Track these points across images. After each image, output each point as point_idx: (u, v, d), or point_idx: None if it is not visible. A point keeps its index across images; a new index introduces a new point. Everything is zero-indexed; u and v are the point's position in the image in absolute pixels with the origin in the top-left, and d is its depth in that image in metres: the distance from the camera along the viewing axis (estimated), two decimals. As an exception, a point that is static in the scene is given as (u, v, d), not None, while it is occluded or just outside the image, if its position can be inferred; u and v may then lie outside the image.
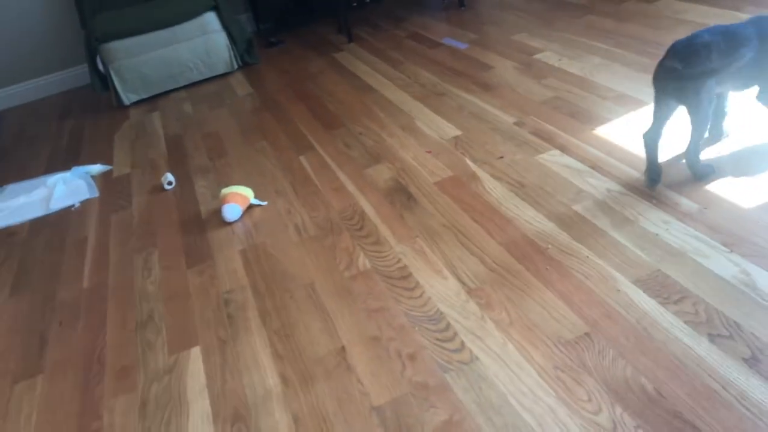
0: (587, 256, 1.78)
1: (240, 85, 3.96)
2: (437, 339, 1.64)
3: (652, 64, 2.80)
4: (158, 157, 3.18)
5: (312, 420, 1.49)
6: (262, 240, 2.27)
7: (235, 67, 4.19)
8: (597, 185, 2.08)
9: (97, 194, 2.92)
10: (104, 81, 3.99)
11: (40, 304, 2.20)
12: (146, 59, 3.95)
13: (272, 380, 1.64)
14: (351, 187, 2.47)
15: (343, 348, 1.69)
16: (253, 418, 1.54)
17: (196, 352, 1.80)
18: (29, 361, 1.93)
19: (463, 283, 1.81)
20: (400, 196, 2.32)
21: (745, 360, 1.36)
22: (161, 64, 3.99)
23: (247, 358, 1.74)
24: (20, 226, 2.79)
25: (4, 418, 1.73)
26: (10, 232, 2.77)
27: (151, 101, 4.03)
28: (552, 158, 2.30)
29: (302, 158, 2.80)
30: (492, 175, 2.29)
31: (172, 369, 1.76)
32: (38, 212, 2.85)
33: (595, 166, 2.18)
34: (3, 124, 4.32)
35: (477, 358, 1.55)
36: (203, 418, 1.57)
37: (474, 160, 2.42)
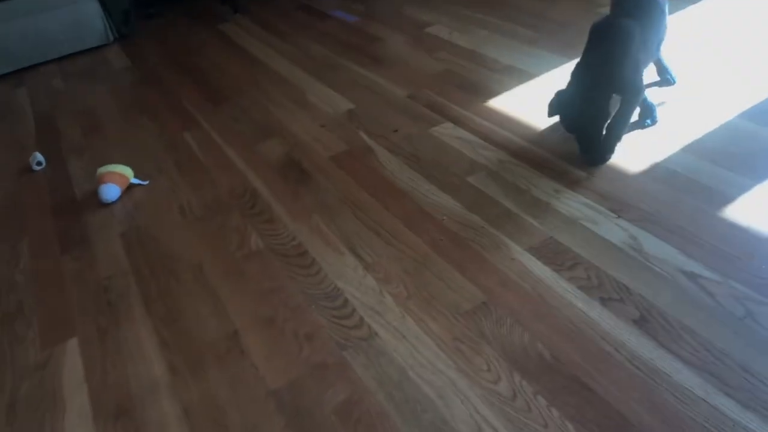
0: (482, 227, 1.78)
1: (117, 58, 3.69)
2: (335, 316, 1.58)
3: (539, 36, 2.86)
4: (26, 137, 2.90)
5: (204, 409, 1.40)
6: (144, 222, 2.12)
7: (111, 39, 3.90)
8: (489, 156, 2.09)
9: (-47, 178, 2.63)
10: (-41, 53, 3.60)
11: None
12: (8, 29, 3.59)
13: (159, 369, 1.53)
14: (241, 164, 2.35)
15: (235, 332, 1.60)
16: (139, 411, 1.42)
17: (72, 344, 1.65)
18: None
19: (361, 258, 1.76)
20: (294, 171, 2.24)
21: (635, 321, 1.40)
22: (26, 35, 3.65)
23: (130, 347, 1.61)
24: None
25: None
26: None
27: (15, 76, 3.68)
28: (445, 131, 2.29)
29: (186, 134, 2.64)
30: (387, 149, 2.25)
31: (46, 364, 1.60)
32: None
33: (487, 138, 2.19)
34: None
35: (376, 334, 1.51)
36: (82, 416, 1.44)
37: (368, 134, 2.36)
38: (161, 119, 2.82)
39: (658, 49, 2.11)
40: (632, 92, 1.89)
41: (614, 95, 1.88)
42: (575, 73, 1.91)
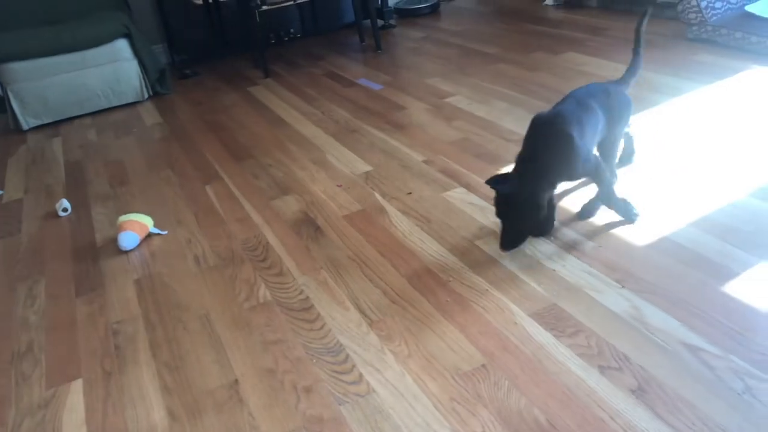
0: (486, 290, 1.80)
1: (149, 114, 3.85)
2: (335, 371, 1.60)
3: (555, 110, 2.93)
4: (55, 184, 3.02)
5: (197, 456, 1.41)
6: (158, 269, 2.17)
7: (146, 96, 4.08)
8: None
9: (-18, 219, 2.73)
10: (1, 103, 3.78)
11: None
12: (50, 83, 3.78)
13: (158, 414, 1.54)
14: (257, 217, 2.42)
15: (236, 381, 1.61)
16: (134, 455, 1.44)
17: (77, 385, 1.68)
18: None
19: (365, 315, 1.78)
20: (308, 227, 2.29)
21: (633, 391, 1.39)
22: (66, 90, 3.84)
23: (132, 391, 1.63)
24: None
25: None
26: None
27: (53, 126, 3.85)
28: (457, 195, 2.34)
29: (208, 188, 2.73)
30: (400, 210, 2.30)
31: (49, 403, 1.63)
32: None
33: (499, 204, 2.23)
34: None
35: (374, 391, 1.52)
36: (78, 456, 1.45)
37: (383, 195, 2.42)
38: (185, 172, 2.92)
39: (615, 131, 2.04)
40: (591, 173, 1.92)
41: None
42: (518, 161, 1.91)
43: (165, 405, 1.57)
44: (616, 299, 1.68)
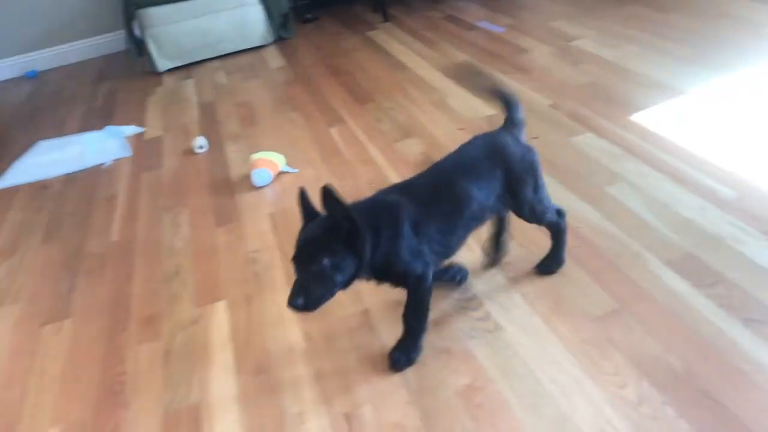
0: (619, 237, 1.76)
1: (273, 58, 3.97)
2: (462, 307, 1.63)
3: (692, 53, 2.76)
4: (190, 123, 3.20)
5: (334, 375, 1.50)
6: (290, 205, 2.27)
7: (270, 40, 4.20)
8: (631, 169, 2.06)
9: (129, 154, 2.95)
10: (140, 46, 4.02)
11: (69, 253, 2.23)
12: (183, 27, 3.97)
13: (296, 336, 1.64)
14: (380, 159, 2.46)
15: (366, 310, 1.69)
16: (276, 370, 1.55)
17: (221, 306, 1.81)
18: (58, 305, 1.96)
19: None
20: (431, 170, 2.31)
21: (778, 344, 1.34)
22: (197, 33, 4.01)
23: (271, 314, 1.74)
24: (54, 180, 2.82)
25: (33, 357, 1.76)
26: (43, 185, 2.80)
27: (185, 69, 4.05)
28: (586, 141, 2.28)
29: (332, 130, 2.80)
30: (525, 155, 2.27)
31: (197, 321, 1.78)
32: (71, 168, 2.89)
33: (630, 150, 2.16)
34: (42, 84, 4.37)
35: (502, 328, 1.54)
36: (226, 369, 1.58)
37: (507, 139, 2.40)
38: (310, 115, 3.01)
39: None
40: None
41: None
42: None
43: (301, 328, 1.67)
44: (761, 251, 1.60)
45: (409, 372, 1.47)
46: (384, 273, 1.42)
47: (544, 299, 1.60)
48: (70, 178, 2.82)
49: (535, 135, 2.38)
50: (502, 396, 1.36)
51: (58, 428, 1.52)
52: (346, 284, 1.35)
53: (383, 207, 1.42)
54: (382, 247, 1.37)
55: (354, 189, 2.28)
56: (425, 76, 3.17)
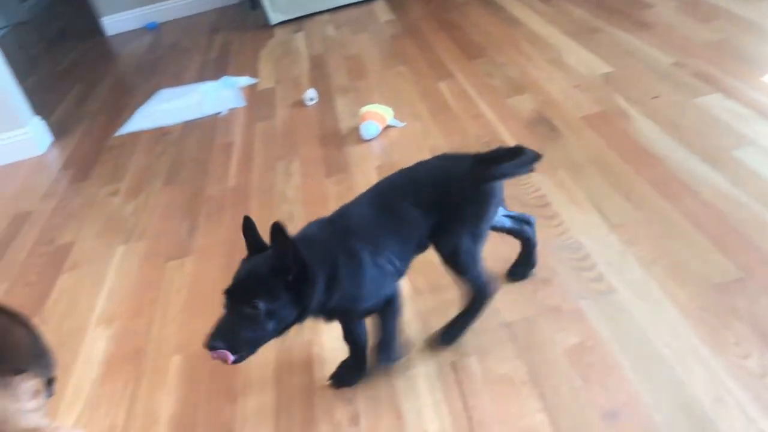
0: (744, 202, 1.66)
1: (382, 11, 3.96)
2: (574, 267, 1.61)
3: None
4: (301, 75, 3.26)
5: (440, 325, 1.52)
6: (397, 158, 2.29)
7: (379, -7, 4.18)
8: (762, 132, 1.93)
9: (243, 104, 3.06)
10: (254, 0, 4.11)
11: (190, 195, 2.36)
12: (294, -21, 4.02)
13: (404, 286, 1.67)
14: (490, 115, 2.43)
15: (475, 265, 1.69)
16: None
17: (331, 254, 1.87)
18: (180, 244, 2.09)
19: (606, 218, 1.74)
20: (543, 127, 2.26)
21: None
22: (308, -14, 4.06)
23: (380, 263, 1.78)
24: (174, 127, 2.98)
25: (159, 290, 1.89)
26: (165, 131, 2.96)
27: (296, 22, 4.12)
28: (713, 102, 2.14)
29: (441, 85, 2.78)
30: (644, 114, 2.17)
31: (309, 266, 1.84)
32: (190, 115, 3.03)
33: (763, 113, 2.01)
34: (161, 35, 4.58)
35: (615, 291, 1.51)
36: (336, 313, 1.64)
37: (626, 98, 2.29)
38: (418, 69, 2.99)
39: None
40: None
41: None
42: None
43: (408, 279, 1.70)
44: None
45: (517, 327, 1.47)
46: (341, 314, 1.27)
47: (661, 264, 1.55)
48: (189, 125, 2.96)
49: (655, 95, 2.27)
50: (613, 358, 1.34)
51: (181, 356, 1.63)
52: (279, 333, 1.17)
53: (336, 240, 1.26)
54: (342, 286, 1.22)
55: (462, 144, 2.27)
56: (540, 32, 3.07)
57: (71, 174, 2.76)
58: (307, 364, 1.51)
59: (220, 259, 1.96)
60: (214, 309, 1.74)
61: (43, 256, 2.19)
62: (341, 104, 2.82)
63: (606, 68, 2.54)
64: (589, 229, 1.72)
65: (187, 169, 2.57)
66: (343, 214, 1.35)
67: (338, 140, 2.52)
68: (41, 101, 3.39)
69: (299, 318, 1.19)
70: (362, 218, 1.31)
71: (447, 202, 1.33)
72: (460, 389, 1.35)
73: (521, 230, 1.55)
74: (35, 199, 2.60)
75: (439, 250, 1.38)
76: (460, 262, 1.38)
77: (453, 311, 1.49)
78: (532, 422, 1.24)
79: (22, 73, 3.10)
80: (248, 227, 1.24)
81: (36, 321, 1.66)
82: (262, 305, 1.13)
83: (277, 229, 1.13)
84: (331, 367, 1.46)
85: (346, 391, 1.40)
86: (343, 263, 1.23)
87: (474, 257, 1.38)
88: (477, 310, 1.44)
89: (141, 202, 2.40)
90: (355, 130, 2.53)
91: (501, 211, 1.50)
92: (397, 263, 1.31)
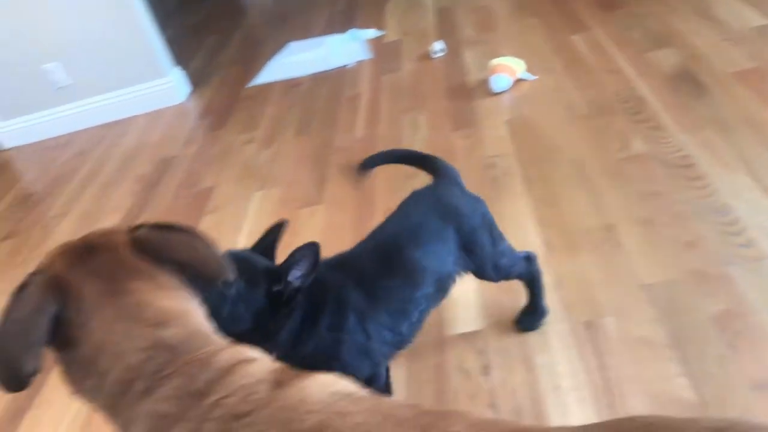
0: None
1: (512, -39, 3.82)
2: (722, 232, 1.52)
3: None
4: (427, 27, 3.23)
5: (575, 285, 1.49)
6: (528, 113, 2.24)
7: (508, -58, 4.03)
8: None
9: (370, 56, 3.08)
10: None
11: (320, 146, 2.43)
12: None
13: (535, 242, 1.65)
14: (629, 70, 2.31)
15: (611, 225, 1.64)
16: (515, 272, 1.58)
17: (460, 207, 1.87)
18: (312, 192, 2.16)
19: (759, 181, 1.63)
20: (687, 83, 2.12)
21: None
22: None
23: (511, 218, 1.76)
24: (302, 79, 3.05)
25: (292, 236, 1.97)
26: (294, 83, 3.05)
27: (421, -26, 4.06)
28: None
29: (575, 38, 2.66)
30: (807, 70, 1.99)
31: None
32: (318, 68, 3.09)
33: None
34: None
35: (767, 257, 1.41)
36: (466, 265, 1.65)
37: (784, 52, 2.11)
38: (550, 21, 2.88)
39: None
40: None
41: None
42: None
43: (541, 235, 1.67)
44: None
45: (657, 290, 1.42)
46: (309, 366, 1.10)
47: (823, 232, 1.43)
48: (317, 77, 3.03)
49: (822, 48, 2.06)
50: (764, 328, 1.27)
51: (316, 298, 1.70)
52: (228, 328, 0.92)
53: (327, 289, 1.13)
54: (318, 338, 1.11)
55: (598, 100, 2.18)
56: (684, -20, 2.86)
57: (209, 122, 2.91)
58: (437, 311, 1.53)
59: (350, 210, 2.01)
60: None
61: (186, 198, 2.34)
62: (469, 57, 2.78)
63: (761, 20, 2.34)
64: (740, 191, 1.62)
65: (316, 120, 2.63)
66: (338, 262, 1.22)
67: (466, 93, 2.49)
68: (179, 53, 3.57)
69: (261, 337, 1.05)
70: (355, 271, 1.18)
71: (457, 227, 1.24)
72: (595, 348, 1.33)
73: (528, 271, 1.40)
74: (177, 145, 2.77)
75: (479, 274, 1.32)
76: (503, 270, 1.32)
77: (589, 272, 1.46)
78: (672, 386, 1.21)
79: (160, 26, 3.26)
80: (276, 230, 1.18)
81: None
82: (234, 286, 1.02)
83: (314, 247, 1.07)
84: (462, 314, 1.48)
85: (478, 342, 1.42)
86: (327, 315, 1.12)
87: (509, 255, 1.33)
88: (541, 289, 1.40)
89: (274, 150, 2.49)
90: (484, 83, 2.49)
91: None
92: (389, 325, 1.17)
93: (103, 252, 0.78)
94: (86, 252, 0.78)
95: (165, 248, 0.81)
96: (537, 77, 2.43)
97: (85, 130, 3.24)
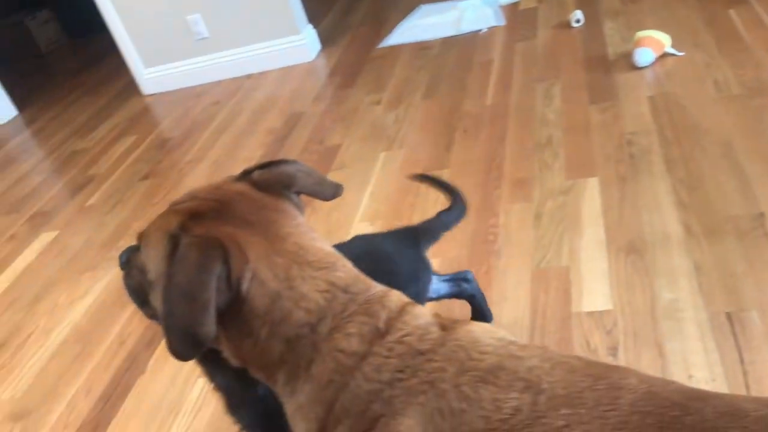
0: None
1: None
2: None
3: None
4: (567, -5, 3.10)
5: (716, 274, 1.41)
6: (673, 90, 2.11)
7: None
8: None
9: (503, 23, 3.00)
10: None
11: (447, 110, 2.41)
12: None
13: (673, 226, 1.57)
14: (791, 49, 2.12)
15: (761, 214, 1.52)
16: (650, 254, 1.51)
17: (593, 182, 1.81)
18: (437, 156, 2.15)
19: None
20: None
21: None
22: None
23: (647, 199, 1.68)
24: (432, 42, 3.03)
25: (416, 197, 1.98)
26: (423, 46, 3.03)
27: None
28: None
29: (732, 12, 2.47)
30: None
31: (569, 191, 1.80)
32: (449, 32, 3.05)
33: None
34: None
35: None
36: (596, 243, 1.59)
37: None
38: (703, -7, 2.69)
39: None
40: None
41: None
42: None
43: (680, 219, 1.58)
44: None
45: (811, 288, 1.31)
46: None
47: None
48: (447, 41, 2.99)
49: None
50: None
51: (437, 261, 1.71)
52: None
53: None
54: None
55: (753, 80, 2.02)
56: None
57: (338, 81, 2.95)
58: (564, 288, 1.49)
59: (476, 175, 1.99)
60: (470, 222, 1.80)
61: (314, 153, 2.40)
62: (610, 28, 2.65)
63: None
64: None
65: (445, 85, 2.61)
66: None
67: (605, 65, 2.38)
68: (310, 11, 3.63)
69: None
70: None
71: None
72: (735, 341, 1.25)
73: (462, 290, 1.40)
74: (307, 102, 2.84)
75: None
76: None
77: (733, 262, 1.37)
78: (823, 391, 1.12)
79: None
80: None
81: (307, 210, 1.84)
82: None
83: None
84: (591, 292, 1.44)
85: (606, 321, 1.38)
86: None
87: None
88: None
89: (401, 112, 2.50)
90: (625, 56, 2.37)
91: (435, 279, 1.35)
92: None
93: (239, 202, 0.76)
94: (223, 205, 0.75)
95: (286, 182, 0.80)
96: (684, 53, 2.28)
97: (220, 82, 3.38)
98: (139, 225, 2.28)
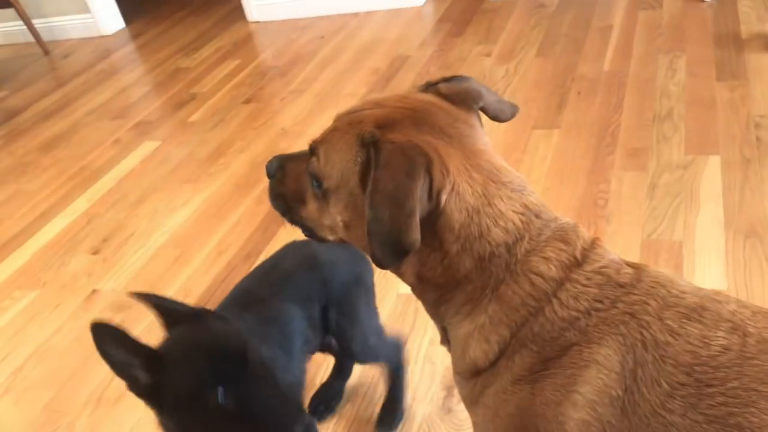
0: None
1: None
2: None
3: None
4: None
5: None
6: (812, 77, 1.98)
7: None
8: None
9: (627, -12, 2.87)
10: None
11: (561, 71, 2.34)
12: None
13: (801, 216, 1.49)
14: None
15: None
16: (772, 241, 1.45)
17: (714, 161, 1.73)
18: (548, 115, 2.10)
19: None
20: None
21: None
22: None
23: (772, 184, 1.60)
24: (551, 1, 2.93)
25: (524, 153, 1.95)
26: (539, 3, 2.93)
27: None
28: None
29: None
30: None
31: (687, 167, 1.73)
32: (568, -8, 2.94)
33: None
34: None
35: None
36: (713, 221, 1.53)
37: None
38: None
39: None
40: None
41: None
42: None
43: (809, 210, 1.51)
44: None
45: None
46: None
47: None
48: (565, 1, 2.89)
49: None
50: None
51: (540, 218, 1.68)
52: None
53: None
54: None
55: None
56: None
57: (447, 28, 2.90)
58: (676, 262, 1.45)
59: (588, 139, 1.93)
60: (579, 184, 1.75)
61: (419, 97, 2.38)
62: (745, 5, 2.49)
63: None
64: None
65: (560, 44, 2.53)
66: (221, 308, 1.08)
67: (737, 44, 2.25)
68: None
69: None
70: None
71: (323, 284, 1.09)
72: None
73: (396, 359, 1.24)
74: (413, 46, 2.80)
75: (343, 347, 1.17)
76: (371, 349, 1.17)
77: None
78: None
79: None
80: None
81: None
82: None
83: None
84: (705, 271, 1.39)
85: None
86: None
87: (381, 335, 1.19)
88: (403, 385, 1.25)
89: (512, 67, 2.44)
90: (761, 36, 2.23)
91: None
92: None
93: (434, 113, 0.73)
94: (418, 114, 0.71)
95: (475, 96, 0.77)
96: (830, 39, 2.14)
97: (326, 17, 3.37)
98: (241, 145, 2.32)
